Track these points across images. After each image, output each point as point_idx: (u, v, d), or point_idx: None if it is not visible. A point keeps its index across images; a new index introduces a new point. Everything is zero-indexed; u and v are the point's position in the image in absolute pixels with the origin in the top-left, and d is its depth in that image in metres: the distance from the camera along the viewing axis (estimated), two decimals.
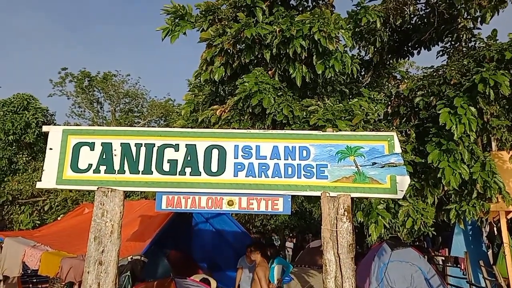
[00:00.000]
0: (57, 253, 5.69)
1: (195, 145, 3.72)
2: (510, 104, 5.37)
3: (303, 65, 5.29)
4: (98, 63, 65.04)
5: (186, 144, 3.72)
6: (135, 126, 24.99)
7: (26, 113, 15.10)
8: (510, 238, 7.49)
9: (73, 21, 53.74)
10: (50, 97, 26.18)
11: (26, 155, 15.76)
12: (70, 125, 23.89)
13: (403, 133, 5.80)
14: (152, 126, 26.41)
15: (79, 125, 24.39)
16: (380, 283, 9.44)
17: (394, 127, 5.86)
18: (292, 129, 4.77)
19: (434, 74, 5.99)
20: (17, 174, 15.00)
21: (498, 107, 5.32)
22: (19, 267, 6.16)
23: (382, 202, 5.13)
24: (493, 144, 7.16)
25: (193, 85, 8.39)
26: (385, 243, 10.21)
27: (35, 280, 7.70)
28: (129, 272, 5.14)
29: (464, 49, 6.65)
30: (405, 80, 6.60)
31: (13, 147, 15.85)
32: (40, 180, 3.61)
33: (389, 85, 8.04)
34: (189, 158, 3.68)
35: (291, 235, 21.90)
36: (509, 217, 7.22)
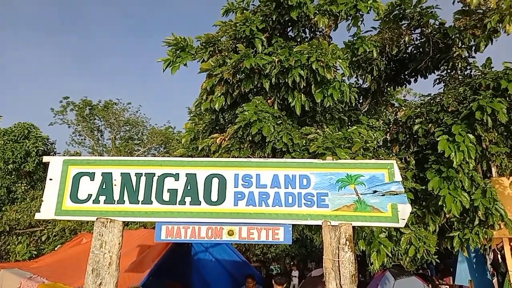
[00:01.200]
0: (54, 285, 5.57)
1: (195, 174, 3.72)
2: (508, 131, 5.42)
3: (302, 94, 5.37)
4: (100, 92, 65.92)
5: (186, 173, 3.72)
6: (135, 154, 25.05)
7: (27, 141, 15.17)
8: None
9: (77, 52, 54.86)
10: (51, 126, 26.26)
11: (25, 184, 15.70)
12: (70, 153, 23.98)
13: (403, 160, 5.81)
14: (152, 154, 26.43)
15: (79, 153, 24.44)
16: None
17: (394, 154, 5.88)
18: (292, 157, 4.79)
19: (431, 101, 6.06)
20: (15, 203, 14.90)
21: (496, 134, 5.36)
22: None
23: (384, 231, 5.08)
24: (493, 170, 7.17)
25: (193, 113, 8.48)
26: (388, 272, 10.01)
27: None
28: None
29: (460, 77, 6.76)
30: (403, 107, 6.68)
31: (12, 176, 15.81)
32: (39, 211, 3.59)
33: (387, 112, 8.13)
34: (189, 188, 3.67)
35: (292, 263, 21.46)
36: None
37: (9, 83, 51.44)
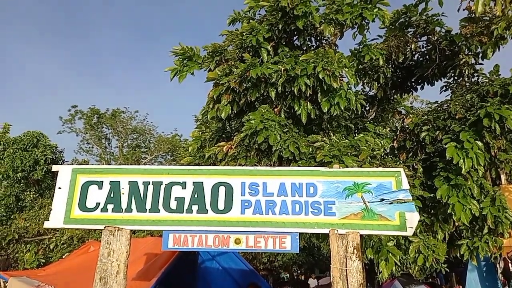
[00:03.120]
0: None
1: (202, 182, 3.73)
2: None
3: (308, 102, 5.39)
4: (107, 100, 66.53)
5: (193, 182, 3.73)
6: (142, 162, 25.17)
7: (35, 150, 15.32)
8: None
9: (84, 60, 55.54)
10: (60, 134, 26.56)
11: (33, 192, 15.82)
12: (78, 161, 24.16)
13: (410, 168, 5.78)
14: (159, 161, 26.54)
15: (87, 161, 24.60)
16: None
17: (401, 162, 5.85)
18: (298, 165, 4.79)
19: (438, 109, 6.05)
20: (24, 211, 15.01)
21: (505, 141, 5.32)
22: None
23: (392, 239, 5.05)
24: (503, 178, 7.09)
25: (200, 121, 8.53)
26: (397, 281, 9.91)
27: None
28: None
29: (467, 84, 6.74)
30: (410, 114, 6.66)
31: (21, 184, 15.96)
32: (48, 219, 3.62)
33: (394, 119, 8.10)
34: (196, 196, 3.68)
35: (299, 271, 21.25)
36: None
37: (18, 92, 52.21)
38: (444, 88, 7.26)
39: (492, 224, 5.11)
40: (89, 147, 27.34)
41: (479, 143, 4.96)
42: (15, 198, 15.89)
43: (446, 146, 5.06)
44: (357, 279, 3.22)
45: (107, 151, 27.37)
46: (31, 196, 15.66)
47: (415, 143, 6.05)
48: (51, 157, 15.59)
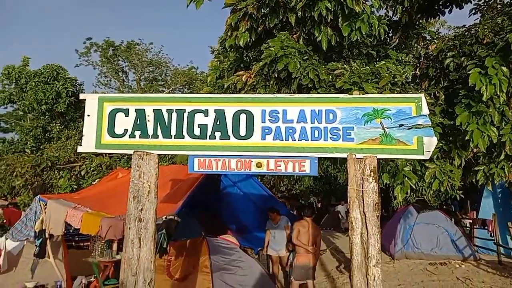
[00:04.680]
0: (97, 214, 6.06)
1: (223, 110, 3.82)
2: None
3: (329, 28, 5.23)
4: (121, 31, 65.19)
5: (215, 110, 3.83)
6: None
7: (56, 83, 15.58)
8: None
9: None
10: (77, 67, 26.76)
11: (59, 124, 16.41)
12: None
13: (432, 95, 5.71)
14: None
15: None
16: (406, 244, 9.62)
17: (423, 89, 5.78)
18: (318, 93, 4.80)
19: (466, 33, 5.79)
20: (52, 142, 15.71)
21: None
22: (62, 226, 6.63)
23: (409, 164, 5.16)
24: None
25: (218, 51, 8.43)
26: (411, 206, 10.29)
27: (77, 239, 8.26)
28: (164, 230, 5.45)
29: (498, 6, 6.34)
30: (435, 40, 6.40)
31: (46, 116, 16.50)
32: (81, 145, 3.84)
33: (418, 46, 7.81)
34: (218, 123, 3.80)
35: (315, 199, 22.02)
36: None
37: (32, 25, 51.51)
38: (473, 11, 6.87)
39: (510, 150, 5.13)
40: (107, 80, 27.57)
41: (505, 69, 4.81)
42: (42, 129, 16.56)
43: (469, 73, 4.94)
44: (372, 199, 3.40)
45: (124, 84, 27.57)
46: (57, 128, 16.28)
47: (438, 70, 5.90)
48: (71, 90, 15.89)
